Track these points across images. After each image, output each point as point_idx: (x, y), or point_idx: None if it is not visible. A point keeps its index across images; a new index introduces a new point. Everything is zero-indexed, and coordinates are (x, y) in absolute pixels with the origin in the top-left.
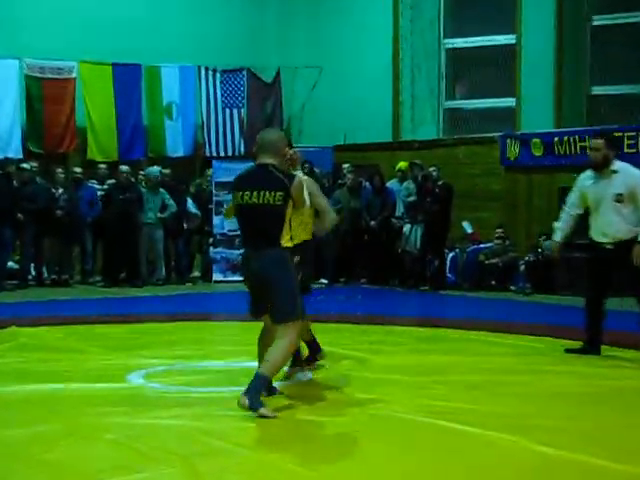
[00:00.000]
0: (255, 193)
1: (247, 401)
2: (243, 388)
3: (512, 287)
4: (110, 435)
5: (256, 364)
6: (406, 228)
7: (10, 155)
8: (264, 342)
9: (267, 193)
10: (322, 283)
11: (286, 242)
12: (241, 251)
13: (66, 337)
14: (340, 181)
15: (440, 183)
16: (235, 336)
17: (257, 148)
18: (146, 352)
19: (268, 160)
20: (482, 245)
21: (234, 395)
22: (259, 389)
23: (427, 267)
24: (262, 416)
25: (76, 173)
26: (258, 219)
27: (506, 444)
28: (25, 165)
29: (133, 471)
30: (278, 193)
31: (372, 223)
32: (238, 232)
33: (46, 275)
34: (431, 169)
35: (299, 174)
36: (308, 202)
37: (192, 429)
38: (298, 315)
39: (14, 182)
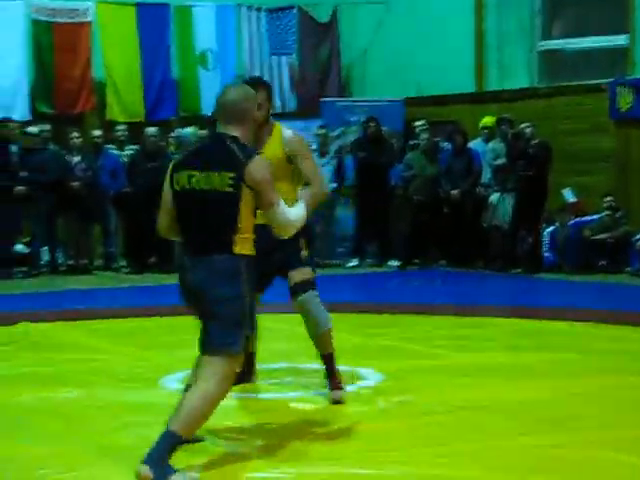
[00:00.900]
0: (202, 175)
1: (149, 472)
2: (298, 394)
3: (627, 269)
4: (139, 451)
5: (313, 366)
6: (493, 198)
7: (15, 117)
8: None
9: (215, 175)
10: (392, 265)
11: (241, 248)
12: None
13: (86, 334)
14: (413, 142)
15: (535, 142)
16: (286, 331)
17: (215, 113)
18: (182, 351)
19: (229, 130)
20: (587, 217)
21: (283, 402)
22: (165, 453)
23: (519, 245)
24: None
25: (95, 137)
26: (201, 211)
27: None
28: (32, 129)
29: None
30: (227, 175)
31: (453, 192)
32: None
33: (61, 260)
34: (523, 125)
35: (287, 132)
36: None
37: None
38: (237, 350)
39: (11, 148)
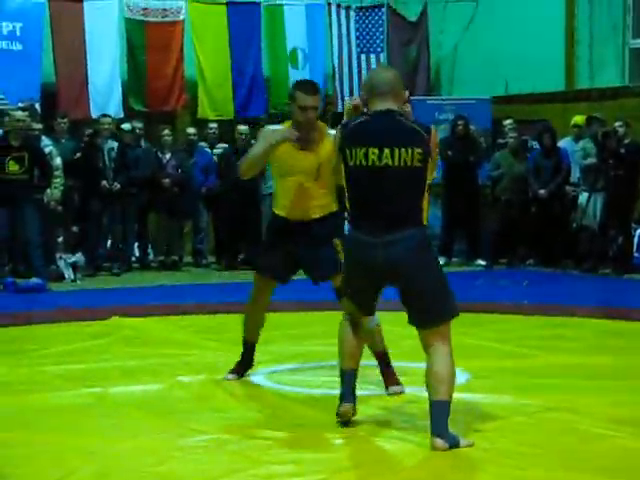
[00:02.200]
0: (387, 151)
1: (444, 443)
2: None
3: None
4: (233, 446)
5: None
6: (583, 198)
7: (110, 114)
8: (357, 335)
9: (403, 151)
10: (480, 265)
11: (425, 219)
12: None
13: (177, 329)
14: (501, 140)
15: (626, 142)
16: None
17: (368, 91)
18: (270, 347)
19: (390, 106)
20: None
21: (373, 398)
22: (447, 421)
23: (609, 245)
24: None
25: (190, 134)
26: (392, 188)
27: None
28: (126, 125)
29: None
30: (417, 151)
31: (541, 192)
32: None
33: (152, 256)
34: (616, 124)
35: (331, 131)
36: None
37: (322, 440)
38: (456, 311)
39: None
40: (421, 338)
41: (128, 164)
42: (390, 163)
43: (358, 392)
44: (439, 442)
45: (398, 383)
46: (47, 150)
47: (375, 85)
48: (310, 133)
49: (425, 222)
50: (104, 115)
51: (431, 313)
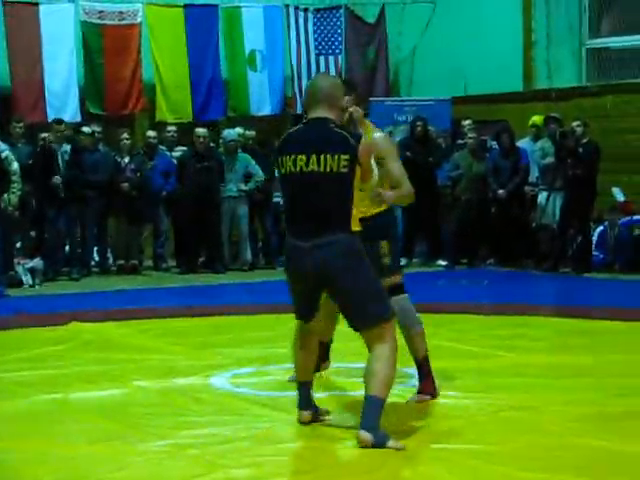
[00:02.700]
0: (314, 158)
1: (370, 437)
2: (351, 393)
3: None
4: (193, 450)
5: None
6: (542, 197)
7: (66, 119)
8: (307, 348)
9: (329, 157)
10: (440, 265)
11: (355, 225)
12: None
13: (137, 334)
14: (460, 141)
15: (584, 141)
16: (336, 331)
17: (307, 99)
18: (231, 350)
19: (324, 114)
20: (637, 216)
21: (335, 401)
22: (378, 418)
23: (569, 244)
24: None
25: (149, 137)
26: (318, 193)
27: None
28: (86, 129)
29: None
30: (343, 157)
31: (500, 192)
32: None
33: (112, 260)
34: (573, 124)
35: (377, 134)
36: (376, 172)
37: (288, 441)
38: (391, 312)
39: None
40: (364, 340)
41: (82, 167)
42: (316, 169)
43: (322, 394)
44: (364, 436)
45: (424, 392)
46: (3, 155)
47: (311, 93)
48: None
49: (356, 227)
50: (57, 121)
51: (363, 316)
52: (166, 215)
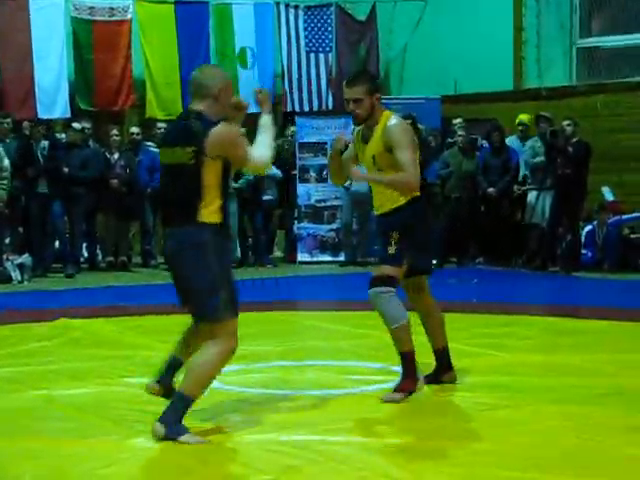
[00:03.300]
0: (169, 150)
1: (163, 429)
2: (334, 391)
3: None
4: (182, 447)
5: (356, 363)
6: (531, 196)
7: (56, 115)
8: (186, 339)
9: (178, 149)
10: None
11: (209, 216)
12: (331, 226)
13: (126, 330)
14: (450, 139)
15: (574, 140)
16: (324, 329)
17: (189, 91)
18: None
19: (196, 106)
20: (627, 216)
21: (323, 399)
22: (179, 413)
23: (558, 243)
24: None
25: (133, 134)
26: (170, 184)
27: None
28: (76, 125)
29: None
30: (188, 149)
31: (490, 190)
32: (327, 203)
33: (101, 257)
34: (564, 123)
35: (391, 122)
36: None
37: (273, 442)
38: (222, 314)
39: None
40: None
41: (75, 164)
42: (170, 161)
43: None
44: (157, 427)
45: (399, 389)
46: None
47: (189, 85)
48: (361, 124)
49: (216, 220)
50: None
51: (196, 309)
52: (152, 211)
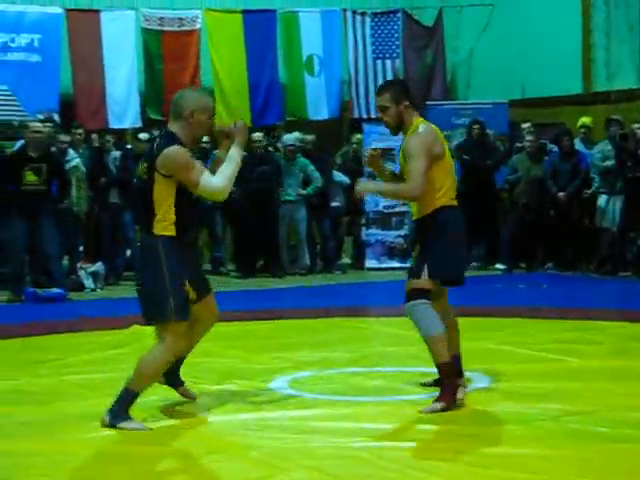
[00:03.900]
0: (140, 164)
1: (107, 418)
2: (404, 397)
3: None
4: (254, 453)
5: (426, 369)
6: (602, 200)
7: (127, 125)
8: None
9: (142, 164)
10: (498, 269)
11: (162, 229)
12: (399, 232)
13: None
14: (518, 144)
15: None
16: (393, 335)
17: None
18: (289, 354)
19: (171, 126)
20: None
21: (396, 406)
22: (122, 404)
23: (629, 248)
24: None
25: (203, 142)
26: (135, 196)
27: None
28: (142, 135)
29: None
30: (145, 164)
31: (560, 195)
32: (395, 209)
33: None
34: (634, 126)
35: (412, 134)
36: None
37: (347, 448)
38: (168, 318)
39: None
40: None
41: (130, 170)
42: (137, 174)
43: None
44: (104, 416)
45: (439, 400)
46: (74, 163)
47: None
48: (395, 133)
49: (170, 233)
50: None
51: (145, 310)
52: (221, 219)
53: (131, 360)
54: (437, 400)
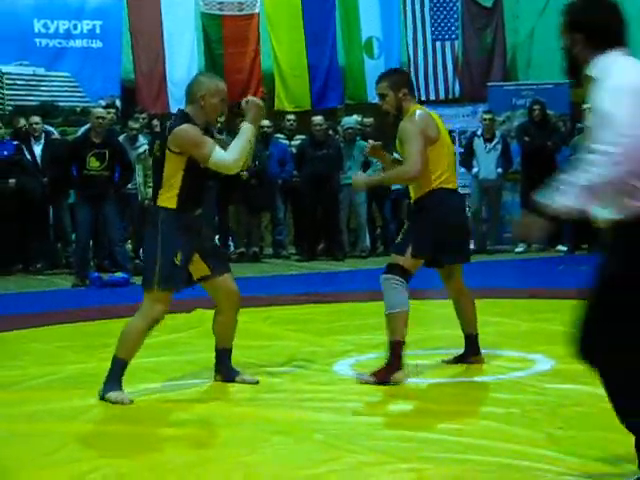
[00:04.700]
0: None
1: (102, 389)
2: (468, 379)
3: None
4: (319, 435)
5: (490, 351)
6: None
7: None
8: (215, 329)
9: (157, 144)
10: (561, 250)
11: (164, 201)
12: None
13: (258, 321)
14: (580, 124)
15: None
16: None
17: None
18: (353, 337)
19: (186, 107)
20: None
21: (456, 386)
22: (113, 374)
23: None
24: (115, 402)
25: (264, 127)
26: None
27: None
28: None
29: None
30: (158, 143)
31: None
32: None
33: (232, 248)
34: None
35: (417, 114)
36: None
37: (413, 429)
38: (151, 286)
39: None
40: None
41: None
42: (153, 152)
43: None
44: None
45: (376, 373)
46: (142, 149)
47: None
48: (394, 121)
49: (171, 205)
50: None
51: (143, 277)
52: (283, 203)
53: (194, 343)
54: (373, 374)
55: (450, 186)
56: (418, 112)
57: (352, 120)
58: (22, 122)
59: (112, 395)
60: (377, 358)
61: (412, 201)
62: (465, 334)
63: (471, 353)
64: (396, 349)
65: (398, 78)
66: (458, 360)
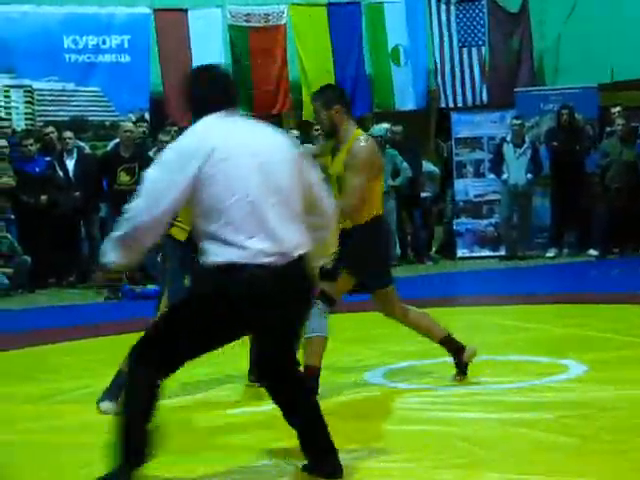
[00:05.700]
0: None
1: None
2: (501, 386)
3: None
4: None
5: (521, 357)
6: None
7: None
8: None
9: None
10: (591, 255)
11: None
12: (490, 220)
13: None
14: (609, 128)
15: None
16: (488, 324)
17: None
18: (384, 345)
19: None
20: None
21: (490, 393)
22: (117, 387)
23: None
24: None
25: (294, 136)
26: None
27: None
28: None
29: None
30: None
31: None
32: (485, 198)
33: None
34: None
35: (359, 143)
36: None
37: (448, 435)
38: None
39: None
40: None
41: None
42: None
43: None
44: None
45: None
46: None
47: None
48: (327, 137)
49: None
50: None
51: None
52: None
53: (225, 354)
54: None
55: (381, 212)
56: (368, 140)
57: (382, 129)
58: (53, 137)
59: (104, 405)
60: (410, 366)
61: (346, 229)
62: (439, 343)
63: (459, 353)
64: (310, 374)
65: (331, 94)
66: (460, 367)
